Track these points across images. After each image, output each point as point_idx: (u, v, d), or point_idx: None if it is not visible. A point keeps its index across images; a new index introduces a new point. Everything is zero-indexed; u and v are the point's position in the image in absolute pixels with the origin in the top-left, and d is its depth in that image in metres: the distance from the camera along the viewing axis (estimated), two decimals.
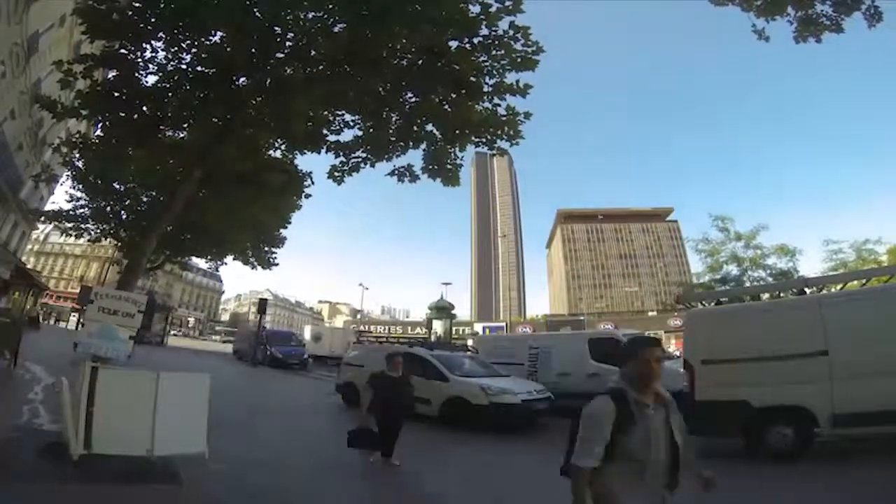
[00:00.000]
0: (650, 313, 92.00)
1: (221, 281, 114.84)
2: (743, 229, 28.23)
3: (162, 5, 8.98)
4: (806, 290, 7.98)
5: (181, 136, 11.82)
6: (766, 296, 9.63)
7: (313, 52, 9.47)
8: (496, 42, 8.47)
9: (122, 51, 9.87)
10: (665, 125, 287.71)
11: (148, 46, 9.86)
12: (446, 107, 9.36)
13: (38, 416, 7.11)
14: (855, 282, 8.85)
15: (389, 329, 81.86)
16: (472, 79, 8.88)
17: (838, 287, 8.54)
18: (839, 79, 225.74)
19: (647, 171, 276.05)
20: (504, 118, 9.19)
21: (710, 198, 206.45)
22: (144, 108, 10.36)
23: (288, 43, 9.46)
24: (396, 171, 10.34)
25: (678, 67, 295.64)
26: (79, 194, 21.66)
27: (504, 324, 71.56)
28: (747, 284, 24.96)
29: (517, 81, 8.76)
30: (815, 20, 7.81)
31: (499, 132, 9.35)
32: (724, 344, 7.30)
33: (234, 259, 24.65)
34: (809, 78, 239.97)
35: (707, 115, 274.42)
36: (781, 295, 9.41)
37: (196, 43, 9.77)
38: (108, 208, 21.22)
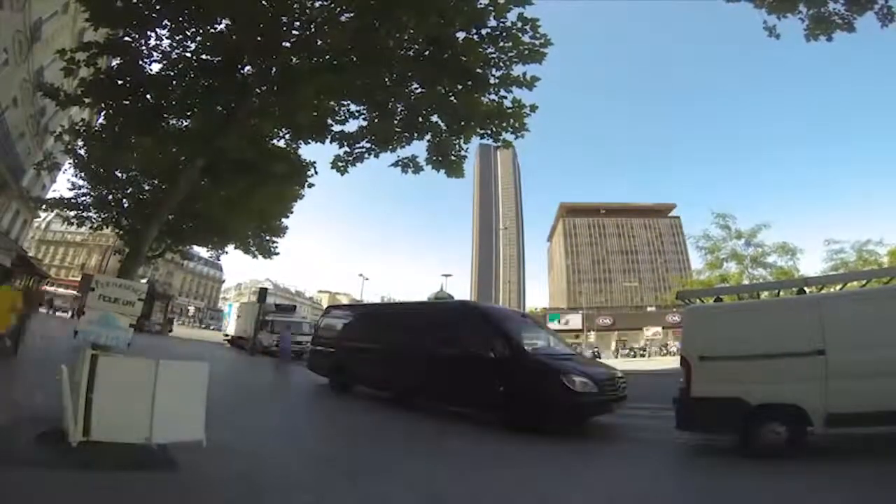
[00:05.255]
0: (649, 309, 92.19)
1: (222, 270, 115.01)
2: (745, 227, 28.42)
3: None
4: (805, 289, 7.97)
5: (185, 124, 11.74)
6: (765, 294, 9.64)
7: (320, 42, 9.39)
8: (504, 33, 8.36)
9: (126, 38, 9.78)
10: (668, 122, 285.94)
11: (152, 34, 9.77)
12: (452, 98, 9.26)
13: (37, 402, 7.11)
14: (855, 282, 8.85)
15: None
16: (479, 70, 8.78)
17: (838, 287, 8.54)
18: (844, 77, 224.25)
19: (650, 168, 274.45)
20: (510, 110, 9.12)
21: (714, 195, 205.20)
22: (148, 97, 10.27)
23: (294, 32, 9.38)
24: (400, 162, 10.29)
25: (683, 64, 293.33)
26: (81, 182, 21.57)
27: None
28: (746, 282, 25.05)
29: (524, 74, 8.67)
30: (828, 18, 7.73)
31: (504, 124, 9.27)
32: (722, 340, 7.29)
33: (235, 248, 24.71)
34: (815, 77, 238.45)
35: (713, 112, 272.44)
36: (781, 293, 9.42)
37: (201, 31, 9.68)
38: (110, 196, 21.13)
